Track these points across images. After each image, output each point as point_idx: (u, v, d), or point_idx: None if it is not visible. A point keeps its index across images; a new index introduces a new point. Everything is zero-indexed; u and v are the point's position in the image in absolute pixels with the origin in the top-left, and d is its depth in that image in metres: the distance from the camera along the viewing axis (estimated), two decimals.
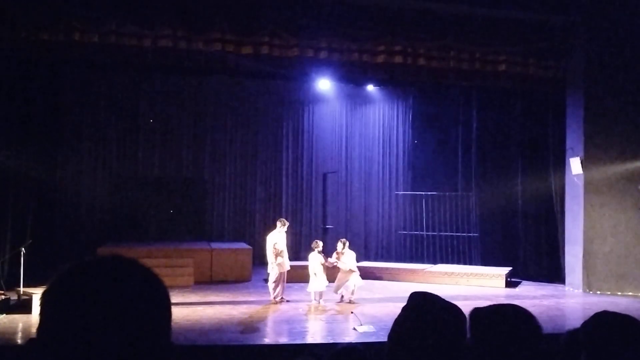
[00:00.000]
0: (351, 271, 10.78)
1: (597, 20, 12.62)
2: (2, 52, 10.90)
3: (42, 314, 0.98)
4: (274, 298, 10.60)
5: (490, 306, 1.93)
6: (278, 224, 10.83)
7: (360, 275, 11.10)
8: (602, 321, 1.88)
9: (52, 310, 0.97)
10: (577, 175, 12.71)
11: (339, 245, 10.99)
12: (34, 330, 1.01)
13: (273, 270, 10.55)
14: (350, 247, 11.29)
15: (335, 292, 10.79)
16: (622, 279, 12.41)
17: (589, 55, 12.68)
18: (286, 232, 10.91)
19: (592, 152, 12.58)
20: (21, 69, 12.06)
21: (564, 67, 13.14)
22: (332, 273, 10.99)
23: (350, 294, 10.81)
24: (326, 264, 10.66)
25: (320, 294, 10.69)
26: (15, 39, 10.71)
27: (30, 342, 0.97)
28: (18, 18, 10.66)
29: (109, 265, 1.01)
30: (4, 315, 9.10)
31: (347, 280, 10.75)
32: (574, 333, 1.89)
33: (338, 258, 10.83)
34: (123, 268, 1.01)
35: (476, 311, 1.84)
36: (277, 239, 10.59)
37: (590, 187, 12.59)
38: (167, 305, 1.03)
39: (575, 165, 12.68)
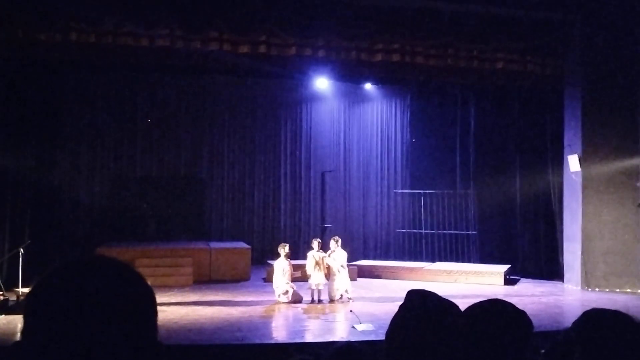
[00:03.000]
0: (340, 272, 10.76)
1: (595, 17, 12.62)
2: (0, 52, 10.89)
3: (26, 316, 0.98)
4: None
5: (479, 303, 1.95)
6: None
7: (350, 275, 11.13)
8: (592, 318, 1.89)
9: (36, 313, 0.97)
10: (575, 172, 12.72)
11: (332, 243, 11.03)
12: None
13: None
14: (349, 246, 11.30)
15: (331, 298, 10.77)
16: (620, 276, 12.42)
17: (587, 53, 12.68)
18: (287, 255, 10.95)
19: (590, 149, 12.58)
20: (18, 69, 12.03)
21: (561, 65, 13.15)
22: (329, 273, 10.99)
23: (346, 293, 10.81)
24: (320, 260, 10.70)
25: (319, 293, 10.69)
26: (12, 40, 10.69)
27: (15, 344, 0.97)
28: (14, 18, 10.64)
29: (92, 266, 1.01)
30: (3, 316, 9.09)
31: (338, 283, 10.75)
32: (567, 331, 1.90)
33: (329, 255, 10.84)
34: (106, 268, 1.01)
35: (468, 308, 1.86)
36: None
37: (588, 184, 12.59)
38: (151, 305, 1.03)
39: (573, 162, 12.69)
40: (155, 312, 1.04)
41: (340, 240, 11.15)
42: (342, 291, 10.77)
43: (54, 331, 0.93)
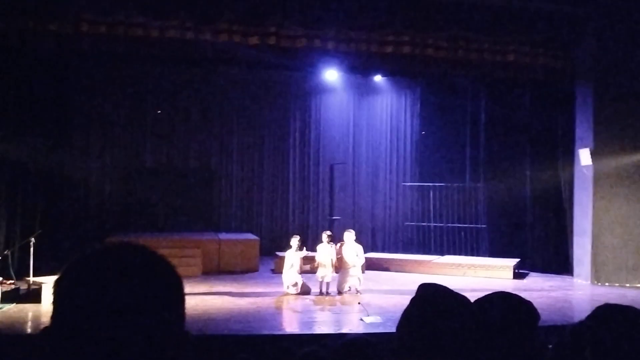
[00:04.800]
0: (351, 265, 10.76)
1: (607, 10, 12.50)
2: (11, 42, 10.92)
3: (55, 302, 0.98)
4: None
5: (485, 296, 1.96)
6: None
7: (362, 269, 11.12)
8: (605, 314, 1.87)
9: (65, 299, 0.96)
10: (586, 166, 12.63)
11: (345, 236, 11.01)
12: (44, 319, 1.01)
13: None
14: (358, 238, 11.28)
15: (339, 290, 10.77)
16: (630, 270, 12.36)
17: (599, 45, 12.57)
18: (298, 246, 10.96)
19: (602, 143, 12.49)
20: (29, 60, 12.09)
21: (573, 57, 13.04)
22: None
23: (358, 282, 10.81)
24: (335, 250, 10.69)
25: (327, 285, 10.71)
26: (23, 30, 10.73)
27: (44, 330, 0.97)
28: (25, 9, 10.68)
29: (122, 253, 1.00)
30: (14, 304, 9.17)
31: (347, 276, 10.75)
32: (578, 326, 1.89)
33: (341, 247, 10.82)
34: (136, 256, 1.00)
35: (475, 302, 1.87)
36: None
37: (599, 178, 12.52)
38: (180, 293, 1.03)
39: (584, 156, 12.61)
40: (183, 301, 1.03)
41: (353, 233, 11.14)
42: (350, 283, 10.78)
43: (83, 317, 0.93)
